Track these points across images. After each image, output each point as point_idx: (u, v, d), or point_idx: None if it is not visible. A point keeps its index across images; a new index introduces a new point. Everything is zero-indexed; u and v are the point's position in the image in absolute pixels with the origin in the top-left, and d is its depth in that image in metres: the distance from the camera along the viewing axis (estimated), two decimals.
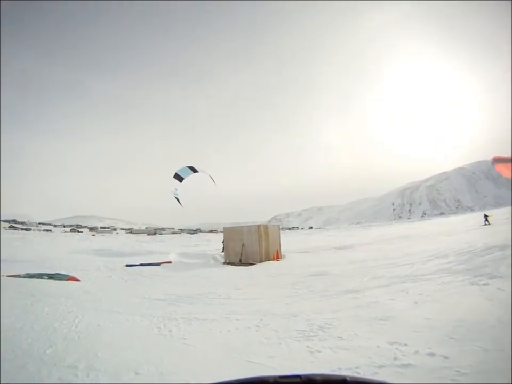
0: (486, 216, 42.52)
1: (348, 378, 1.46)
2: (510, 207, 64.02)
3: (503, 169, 19.86)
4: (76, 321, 8.39)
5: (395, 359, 5.22)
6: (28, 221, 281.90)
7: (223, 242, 28.70)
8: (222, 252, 28.77)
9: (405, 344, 5.70)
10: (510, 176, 18.95)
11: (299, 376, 1.47)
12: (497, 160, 20.13)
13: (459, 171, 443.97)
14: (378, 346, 5.75)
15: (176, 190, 25.28)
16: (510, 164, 19.44)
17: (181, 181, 24.13)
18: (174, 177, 24.32)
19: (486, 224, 39.28)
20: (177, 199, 24.98)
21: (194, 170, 24.87)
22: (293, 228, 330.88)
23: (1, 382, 4.87)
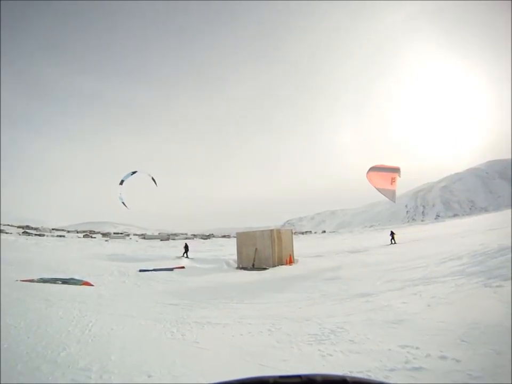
0: (392, 233, 38.66)
1: (348, 379, 1.47)
2: None
3: (373, 177, 19.87)
4: (90, 324, 8.52)
5: (406, 362, 5.18)
6: (42, 226, 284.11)
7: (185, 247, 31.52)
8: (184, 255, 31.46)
9: (417, 348, 5.65)
10: (377, 185, 18.91)
11: (299, 376, 1.47)
12: (372, 169, 20.13)
13: (472, 171, 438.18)
14: (390, 350, 5.73)
15: (121, 194, 25.85)
16: (383, 173, 19.42)
17: (121, 184, 25.74)
18: (119, 184, 25.61)
19: (392, 243, 36.10)
20: (123, 203, 25.50)
21: (133, 173, 26.30)
22: (306, 232, 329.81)
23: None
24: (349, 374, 1.41)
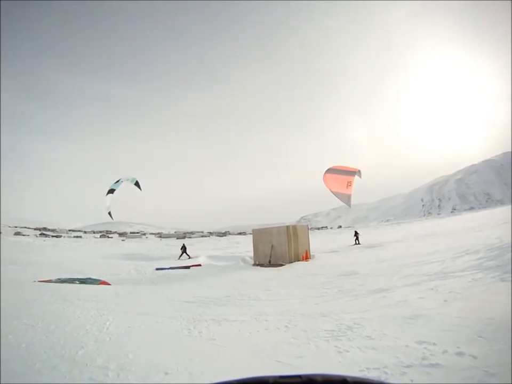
0: (356, 233, 37.62)
1: (348, 379, 1.46)
2: None
3: (329, 180, 19.66)
4: (107, 323, 8.55)
5: (423, 358, 5.12)
6: (58, 228, 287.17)
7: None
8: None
9: (434, 344, 5.59)
10: (332, 188, 18.69)
11: (299, 376, 1.48)
12: (329, 170, 19.89)
13: (488, 163, 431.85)
14: (406, 346, 5.67)
15: (109, 204, 25.78)
16: (338, 176, 19.22)
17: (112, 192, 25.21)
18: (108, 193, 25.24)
19: (356, 244, 35.43)
20: (109, 214, 25.46)
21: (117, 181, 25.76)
22: (322, 227, 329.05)
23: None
24: (349, 374, 1.39)
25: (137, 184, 26.42)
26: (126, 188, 25.57)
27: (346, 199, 19.46)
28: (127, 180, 25.94)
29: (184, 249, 32.59)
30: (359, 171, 20.20)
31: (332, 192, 19.54)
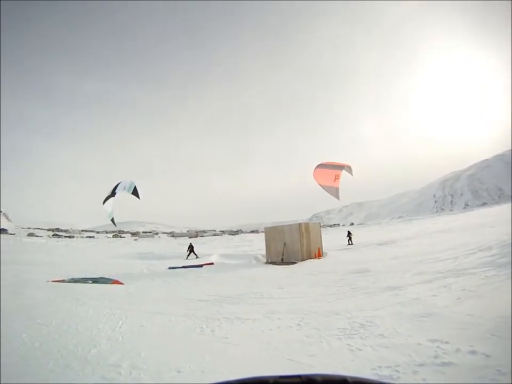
0: (349, 234, 37.22)
1: (349, 379, 1.45)
2: None
3: (318, 174, 19.54)
4: (120, 322, 8.67)
5: (436, 357, 5.07)
6: (71, 229, 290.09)
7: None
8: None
9: (447, 342, 5.54)
10: (321, 182, 18.60)
11: (299, 376, 1.47)
12: (319, 166, 19.79)
13: (500, 158, 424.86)
14: (419, 344, 5.63)
15: (111, 209, 25.66)
16: (327, 170, 19.11)
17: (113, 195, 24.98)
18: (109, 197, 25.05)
19: (349, 244, 34.89)
20: (112, 221, 25.39)
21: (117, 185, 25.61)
22: (334, 224, 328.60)
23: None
24: (349, 374, 1.37)
25: (135, 192, 26.30)
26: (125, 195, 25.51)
27: (334, 191, 19.47)
28: (124, 188, 25.81)
29: (191, 248, 32.44)
30: (349, 167, 20.18)
31: (320, 185, 19.58)
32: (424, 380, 4.48)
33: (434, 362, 4.93)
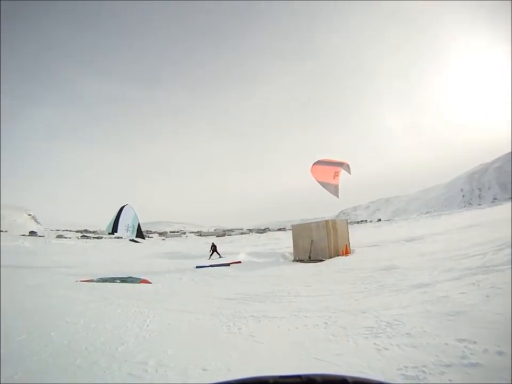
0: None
1: (349, 379, 1.44)
2: None
3: (316, 171, 19.19)
4: (147, 321, 8.81)
5: (463, 357, 4.97)
6: (99, 230, 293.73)
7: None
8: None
9: (474, 342, 5.41)
10: (320, 179, 18.23)
11: (299, 376, 1.46)
12: (317, 163, 19.44)
13: None
14: (446, 344, 5.52)
15: (128, 227, 25.71)
16: (326, 167, 18.75)
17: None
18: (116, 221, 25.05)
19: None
20: (134, 239, 25.34)
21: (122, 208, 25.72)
22: (361, 221, 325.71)
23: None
24: (350, 374, 1.35)
25: (139, 232, 26.26)
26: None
27: (333, 189, 19.30)
28: (127, 228, 25.71)
29: (214, 248, 32.19)
30: (348, 165, 19.99)
31: (319, 182, 19.40)
32: (450, 380, 4.39)
33: (461, 363, 4.83)
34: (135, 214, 26.38)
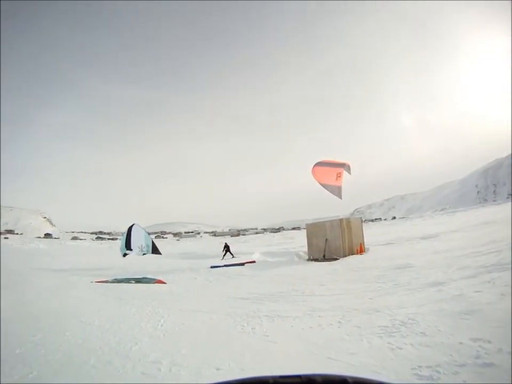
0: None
1: (349, 379, 1.43)
2: None
3: (318, 173, 19.05)
4: (162, 320, 8.88)
5: (477, 357, 4.91)
6: (114, 231, 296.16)
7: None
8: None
9: (489, 341, 5.34)
10: (322, 180, 18.10)
11: (299, 376, 1.46)
12: (318, 164, 19.29)
13: None
14: (461, 343, 5.47)
15: (143, 248, 25.59)
16: (327, 168, 18.60)
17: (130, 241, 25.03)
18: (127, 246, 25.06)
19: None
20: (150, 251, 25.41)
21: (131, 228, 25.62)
22: (376, 219, 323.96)
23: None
24: (350, 374, 1.34)
25: (155, 249, 26.30)
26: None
27: (336, 190, 19.25)
28: (141, 249, 25.75)
29: (227, 248, 32.09)
30: (349, 166, 19.95)
31: (321, 184, 19.37)
32: (464, 380, 4.35)
33: (475, 362, 4.78)
34: (146, 233, 26.46)
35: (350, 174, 20.42)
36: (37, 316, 10.09)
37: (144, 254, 26.49)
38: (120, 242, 26.22)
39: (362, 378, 1.53)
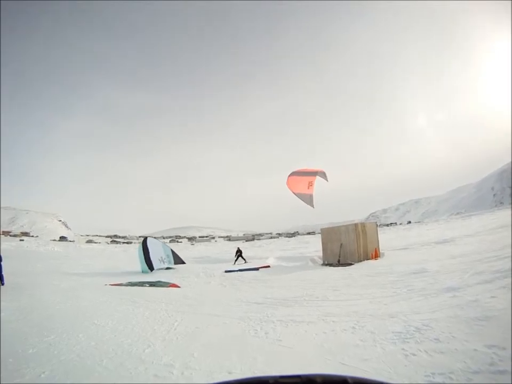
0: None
1: (349, 379, 1.43)
2: None
3: (292, 182, 19.01)
4: (175, 324, 8.94)
5: (491, 364, 4.86)
6: (129, 235, 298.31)
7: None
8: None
9: (503, 348, 5.28)
10: (295, 190, 18.01)
11: (299, 376, 1.46)
12: (292, 173, 19.25)
13: None
14: (475, 350, 5.41)
15: (164, 259, 25.92)
16: (300, 177, 18.53)
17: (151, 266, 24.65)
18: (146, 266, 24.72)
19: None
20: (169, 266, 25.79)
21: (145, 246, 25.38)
22: (391, 223, 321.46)
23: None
24: (350, 375, 1.35)
25: (177, 258, 26.29)
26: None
27: (308, 199, 19.34)
28: (162, 261, 26.01)
29: (239, 253, 31.95)
30: (323, 172, 20.01)
31: (294, 193, 19.50)
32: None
33: (489, 369, 4.73)
34: (163, 244, 26.35)
35: (327, 180, 20.70)
36: (51, 317, 10.24)
37: (168, 267, 26.38)
38: (139, 261, 25.50)
39: (362, 378, 1.53)
